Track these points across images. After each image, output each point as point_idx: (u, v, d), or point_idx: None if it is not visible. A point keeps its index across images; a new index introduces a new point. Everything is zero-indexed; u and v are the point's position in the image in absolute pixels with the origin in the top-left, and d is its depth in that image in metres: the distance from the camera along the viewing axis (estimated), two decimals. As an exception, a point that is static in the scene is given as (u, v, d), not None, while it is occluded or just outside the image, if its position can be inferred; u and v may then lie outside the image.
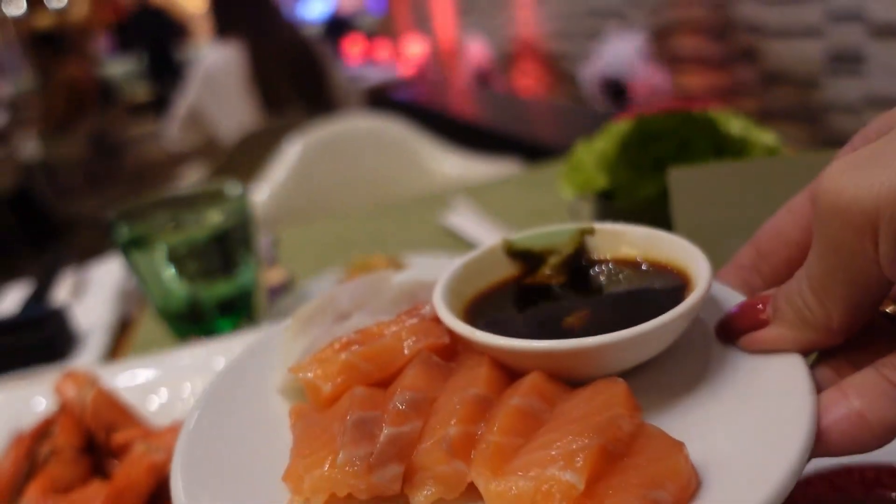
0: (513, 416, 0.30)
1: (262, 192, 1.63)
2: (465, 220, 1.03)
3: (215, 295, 0.77)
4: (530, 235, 0.40)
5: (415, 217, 1.17)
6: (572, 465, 0.27)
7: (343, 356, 0.34)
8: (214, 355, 0.63)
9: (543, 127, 3.40)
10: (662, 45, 3.66)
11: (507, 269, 0.40)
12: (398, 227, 1.14)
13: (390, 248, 1.03)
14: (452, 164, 1.75)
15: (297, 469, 0.30)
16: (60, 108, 5.97)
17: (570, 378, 0.33)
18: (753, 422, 0.29)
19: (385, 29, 6.54)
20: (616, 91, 3.60)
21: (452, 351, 0.35)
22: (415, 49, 5.44)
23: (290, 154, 1.73)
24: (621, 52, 3.99)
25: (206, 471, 0.31)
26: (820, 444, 0.28)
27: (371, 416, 0.31)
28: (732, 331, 0.33)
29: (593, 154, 0.60)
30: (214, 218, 0.77)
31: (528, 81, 5.30)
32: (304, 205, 1.69)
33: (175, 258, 0.74)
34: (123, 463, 0.45)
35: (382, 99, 4.07)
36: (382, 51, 5.74)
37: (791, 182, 0.38)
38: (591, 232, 0.39)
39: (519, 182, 1.26)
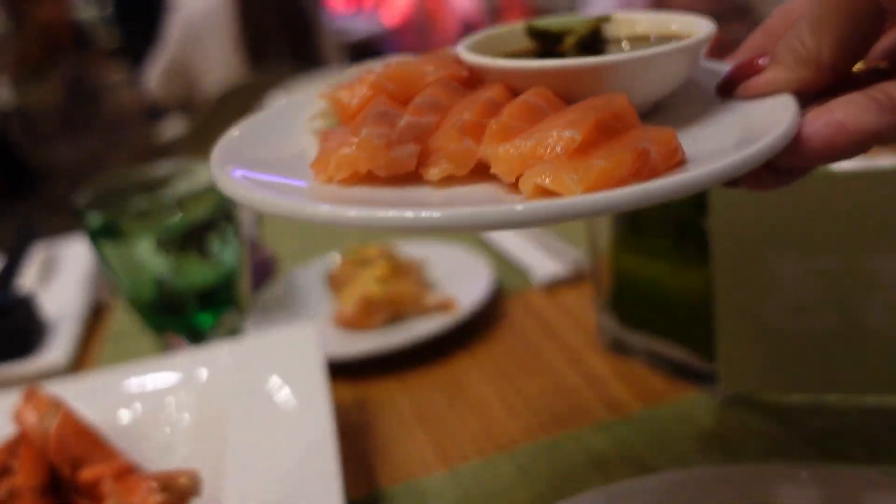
0: (520, 106, 0.33)
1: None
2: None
3: (193, 284, 0.70)
4: (550, 20, 0.43)
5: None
6: (572, 126, 0.30)
7: (371, 78, 0.36)
8: (197, 366, 0.57)
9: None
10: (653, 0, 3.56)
11: (525, 45, 0.42)
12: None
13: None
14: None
15: (324, 156, 0.32)
16: (34, 52, 5.76)
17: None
18: (739, 129, 0.32)
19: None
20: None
21: (471, 84, 0.37)
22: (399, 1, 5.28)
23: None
24: (610, 6, 3.87)
25: (241, 154, 0.34)
26: (800, 148, 0.30)
27: (393, 111, 0.34)
28: (731, 82, 0.35)
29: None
30: (192, 202, 0.71)
31: (517, 33, 5.16)
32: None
33: (149, 247, 0.67)
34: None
35: (368, 52, 3.94)
36: (367, 1, 5.57)
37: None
38: (607, 20, 0.42)
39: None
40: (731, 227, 0.45)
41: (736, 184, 0.32)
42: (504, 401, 0.57)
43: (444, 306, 0.66)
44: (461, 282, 0.72)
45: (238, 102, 2.29)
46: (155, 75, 2.53)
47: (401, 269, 0.70)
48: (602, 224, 0.58)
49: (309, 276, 0.79)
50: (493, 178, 0.30)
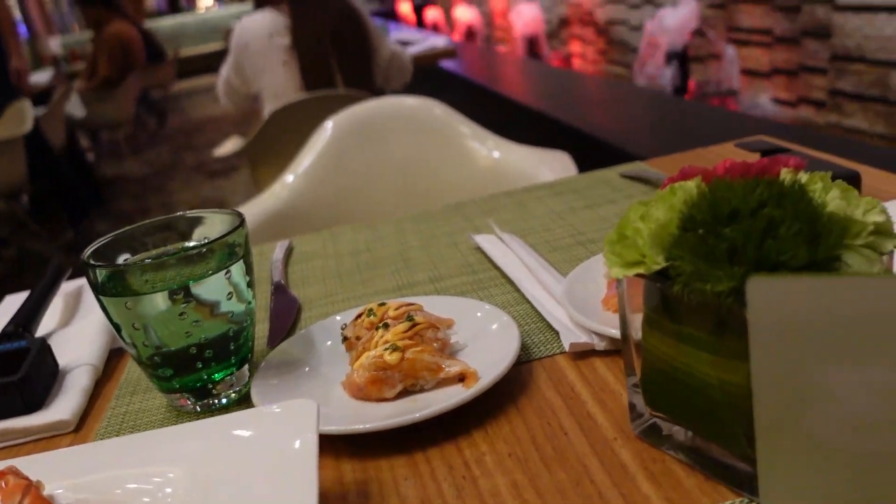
0: None
1: (284, 184, 1.53)
2: (496, 246, 0.92)
3: (199, 339, 0.66)
4: None
5: (443, 230, 1.06)
6: None
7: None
8: (183, 440, 0.53)
9: (596, 109, 3.22)
10: (725, 16, 3.43)
11: None
12: (423, 242, 1.03)
13: (412, 270, 0.92)
14: (496, 151, 1.62)
15: (606, 299, 0.69)
16: (110, 66, 5.96)
17: None
18: None
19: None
20: (679, 64, 3.39)
21: None
22: (465, 14, 5.25)
23: (320, 138, 1.62)
24: (678, 22, 3.75)
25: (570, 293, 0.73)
26: None
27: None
28: None
29: (649, 224, 0.48)
30: (203, 254, 0.67)
31: (581, 49, 5.08)
32: (331, 195, 1.59)
33: (155, 302, 0.64)
34: None
35: (429, 70, 3.92)
36: (431, 18, 5.56)
37: None
38: None
39: (567, 190, 1.13)
40: (772, 322, 0.38)
41: None
42: (518, 497, 0.51)
43: (463, 378, 0.61)
44: (486, 347, 0.66)
45: (291, 121, 2.29)
46: (220, 87, 2.56)
47: (422, 333, 0.65)
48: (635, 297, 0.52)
49: (329, 331, 0.75)
50: None
